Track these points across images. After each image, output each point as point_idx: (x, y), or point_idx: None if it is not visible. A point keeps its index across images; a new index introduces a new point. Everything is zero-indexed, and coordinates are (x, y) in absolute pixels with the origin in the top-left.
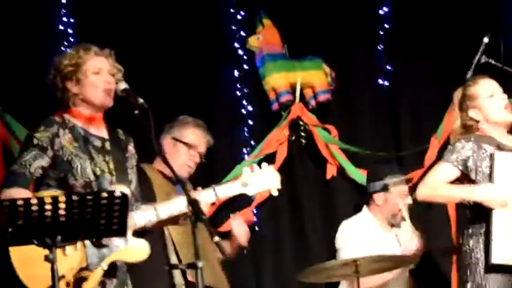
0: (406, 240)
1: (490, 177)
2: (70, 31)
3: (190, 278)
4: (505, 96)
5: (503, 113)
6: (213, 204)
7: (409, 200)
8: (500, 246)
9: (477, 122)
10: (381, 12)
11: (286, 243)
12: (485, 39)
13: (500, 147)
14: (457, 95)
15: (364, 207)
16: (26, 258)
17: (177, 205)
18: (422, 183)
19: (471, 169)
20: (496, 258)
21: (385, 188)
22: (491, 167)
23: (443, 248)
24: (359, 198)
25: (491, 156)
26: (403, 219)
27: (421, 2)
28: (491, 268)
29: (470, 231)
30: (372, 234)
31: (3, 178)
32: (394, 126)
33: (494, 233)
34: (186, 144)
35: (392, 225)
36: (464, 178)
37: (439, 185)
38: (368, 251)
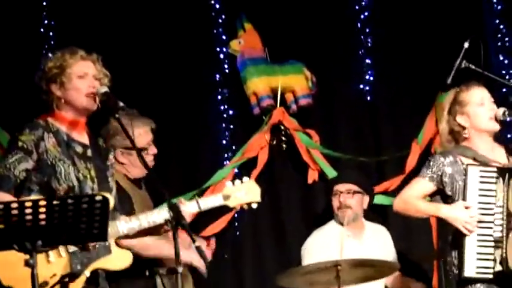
0: (380, 246)
1: (464, 191)
2: (51, 34)
3: None
4: (494, 106)
5: (490, 122)
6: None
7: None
8: (472, 260)
9: (464, 128)
10: (361, 16)
11: (267, 248)
12: (466, 44)
13: (476, 159)
14: (448, 97)
15: None
16: (8, 262)
17: (161, 214)
18: (398, 196)
19: (447, 184)
20: (467, 272)
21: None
22: (464, 182)
23: (424, 255)
24: None
25: (465, 171)
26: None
27: (402, 7)
28: (464, 281)
29: (450, 243)
30: (336, 243)
31: None
32: (375, 131)
33: (467, 246)
34: (141, 149)
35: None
36: (442, 192)
37: (411, 199)
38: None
